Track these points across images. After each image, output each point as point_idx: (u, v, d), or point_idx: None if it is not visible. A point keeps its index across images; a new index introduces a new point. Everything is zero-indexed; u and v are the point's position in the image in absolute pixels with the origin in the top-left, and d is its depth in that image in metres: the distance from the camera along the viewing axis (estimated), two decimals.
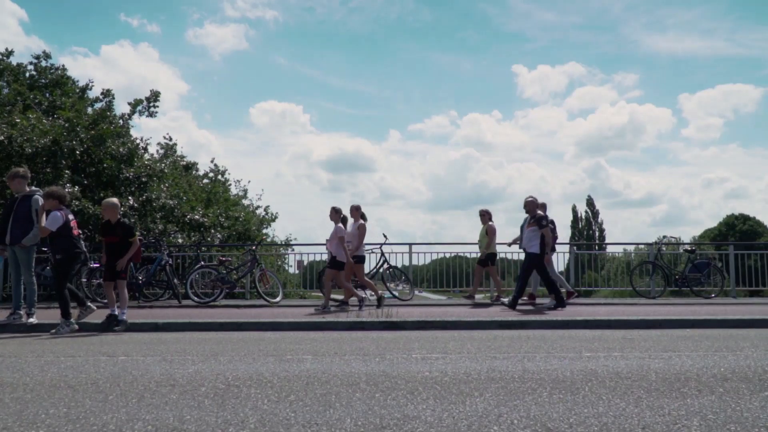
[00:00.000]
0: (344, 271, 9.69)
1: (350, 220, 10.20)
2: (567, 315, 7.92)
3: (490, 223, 10.79)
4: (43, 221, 7.15)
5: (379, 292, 10.17)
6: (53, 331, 6.98)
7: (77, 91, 19.59)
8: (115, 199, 7.51)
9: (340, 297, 11.61)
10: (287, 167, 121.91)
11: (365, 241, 10.21)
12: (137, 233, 8.71)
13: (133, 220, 14.42)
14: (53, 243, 7.19)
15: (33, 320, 7.32)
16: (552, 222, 10.47)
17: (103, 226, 7.54)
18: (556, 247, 10.84)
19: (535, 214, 9.47)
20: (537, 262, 9.37)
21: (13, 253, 7.36)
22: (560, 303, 9.35)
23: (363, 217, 10.23)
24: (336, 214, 9.70)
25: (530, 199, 9.68)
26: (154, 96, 18.82)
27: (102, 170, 15.02)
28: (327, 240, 9.94)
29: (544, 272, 9.48)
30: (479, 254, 11.06)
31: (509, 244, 10.67)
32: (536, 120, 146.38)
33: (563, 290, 10.01)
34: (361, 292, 10.30)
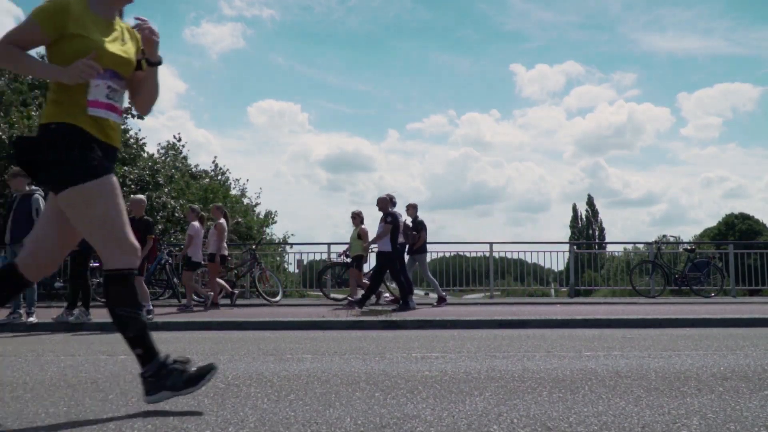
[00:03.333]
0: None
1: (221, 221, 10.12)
2: (567, 315, 7.92)
3: (363, 226, 10.59)
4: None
5: (227, 290, 10.44)
6: (72, 319, 7.28)
7: None
8: (141, 196, 8.13)
9: (341, 296, 11.62)
10: (286, 166, 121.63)
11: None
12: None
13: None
14: None
15: (33, 319, 7.33)
16: (421, 223, 10.36)
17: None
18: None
19: (386, 212, 9.40)
20: (387, 260, 9.22)
21: (12, 253, 7.36)
22: (405, 305, 9.20)
23: (225, 216, 10.18)
24: (192, 213, 9.68)
25: (381, 196, 9.58)
26: None
27: None
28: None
29: (394, 270, 9.30)
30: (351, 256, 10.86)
31: (366, 245, 10.46)
32: (535, 119, 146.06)
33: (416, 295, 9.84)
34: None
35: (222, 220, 9.96)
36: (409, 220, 10.30)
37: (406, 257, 10.50)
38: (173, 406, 2.93)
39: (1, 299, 2.80)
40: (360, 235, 10.55)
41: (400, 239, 9.71)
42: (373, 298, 10.27)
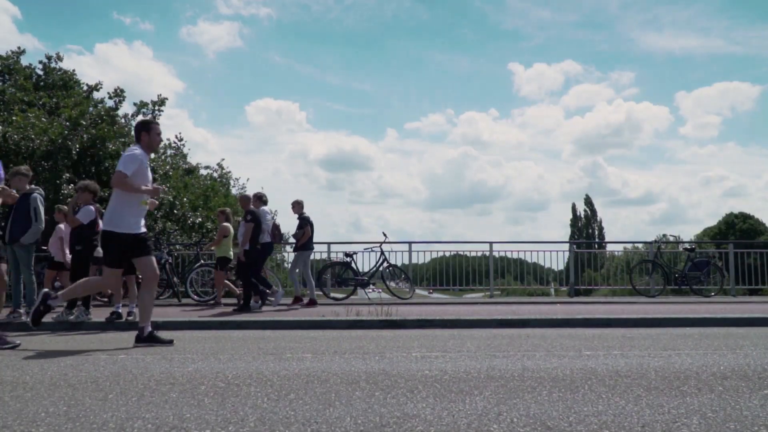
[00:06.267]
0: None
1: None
2: (567, 314, 7.92)
3: (225, 224, 10.36)
4: (70, 213, 7.50)
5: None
6: (72, 318, 7.24)
7: (83, 91, 19.50)
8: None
9: (341, 295, 11.63)
10: (285, 165, 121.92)
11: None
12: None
13: None
14: (77, 234, 7.40)
15: None
16: (306, 219, 10.18)
17: None
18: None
19: (247, 210, 9.32)
20: (247, 259, 9.07)
21: (12, 252, 7.36)
22: (246, 307, 8.92)
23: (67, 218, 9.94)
24: (59, 213, 9.18)
25: (244, 194, 9.56)
26: (161, 101, 18.72)
27: (102, 169, 15.02)
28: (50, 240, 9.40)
29: (248, 269, 9.10)
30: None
31: (239, 246, 10.21)
32: (533, 118, 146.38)
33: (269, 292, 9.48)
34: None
35: (62, 225, 9.12)
36: (293, 218, 10.20)
37: (292, 255, 10.40)
38: (173, 405, 2.93)
39: None
40: (225, 235, 10.31)
41: (266, 238, 9.41)
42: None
